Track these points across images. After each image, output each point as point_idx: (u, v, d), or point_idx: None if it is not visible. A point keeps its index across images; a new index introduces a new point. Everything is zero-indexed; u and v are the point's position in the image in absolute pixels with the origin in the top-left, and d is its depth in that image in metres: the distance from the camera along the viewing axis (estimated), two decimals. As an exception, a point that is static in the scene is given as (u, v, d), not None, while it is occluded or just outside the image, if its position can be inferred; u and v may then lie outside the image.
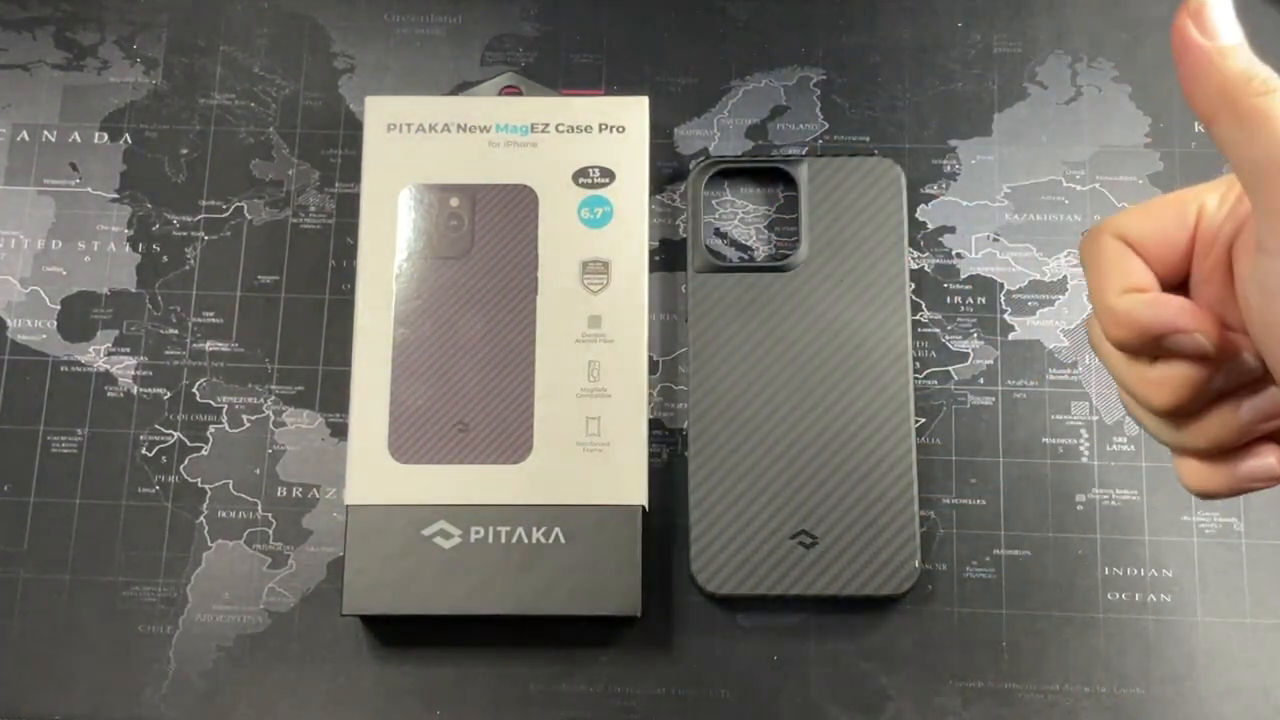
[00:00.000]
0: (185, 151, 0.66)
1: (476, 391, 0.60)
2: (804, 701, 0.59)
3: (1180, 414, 0.41)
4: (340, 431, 0.62)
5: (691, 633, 0.60)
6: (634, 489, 0.59)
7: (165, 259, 0.64)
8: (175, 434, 0.62)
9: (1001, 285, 0.63)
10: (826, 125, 0.65)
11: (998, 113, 0.65)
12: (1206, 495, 0.41)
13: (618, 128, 0.63)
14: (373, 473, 0.59)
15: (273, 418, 0.62)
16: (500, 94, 0.64)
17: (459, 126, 0.63)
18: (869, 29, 0.67)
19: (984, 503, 0.61)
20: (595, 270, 0.61)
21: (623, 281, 0.61)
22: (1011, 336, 0.63)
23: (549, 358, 0.60)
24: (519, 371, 0.60)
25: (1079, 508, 0.60)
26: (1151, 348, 0.40)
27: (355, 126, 0.66)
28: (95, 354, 0.63)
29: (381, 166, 0.62)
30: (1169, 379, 0.40)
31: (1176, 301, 0.40)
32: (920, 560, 0.59)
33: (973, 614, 0.60)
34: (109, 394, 0.63)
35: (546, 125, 0.63)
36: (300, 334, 0.63)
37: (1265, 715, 0.58)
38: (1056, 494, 0.61)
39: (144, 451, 0.62)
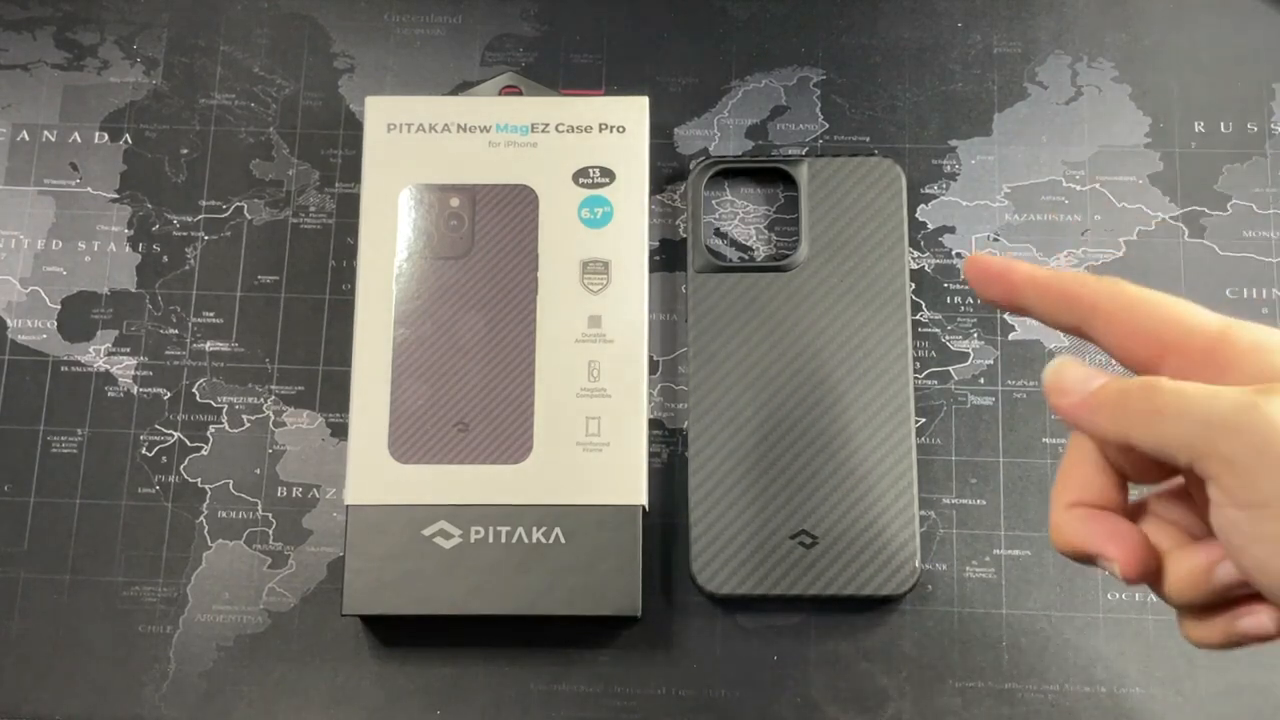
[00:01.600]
0: (185, 151, 0.66)
1: (476, 391, 0.60)
2: (804, 701, 0.59)
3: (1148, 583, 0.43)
4: (340, 431, 0.62)
5: (691, 633, 0.60)
6: (634, 489, 0.59)
7: (165, 259, 0.64)
8: (175, 434, 0.62)
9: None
10: (826, 125, 0.65)
11: (998, 113, 0.65)
12: (1204, 646, 0.43)
13: (618, 128, 0.63)
14: (373, 473, 0.59)
15: (273, 418, 0.62)
16: (500, 94, 0.64)
17: (459, 126, 0.63)
18: (869, 29, 0.67)
19: (984, 503, 0.61)
20: (595, 270, 0.61)
21: (623, 281, 0.61)
22: (1011, 336, 0.63)
23: (549, 358, 0.60)
24: (519, 371, 0.60)
25: (1079, 508, 0.60)
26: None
27: (355, 126, 0.66)
28: (95, 354, 0.63)
29: (381, 166, 0.62)
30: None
31: (1108, 525, 0.42)
32: (920, 560, 0.59)
33: (973, 614, 0.60)
34: (109, 394, 0.63)
35: (546, 125, 0.63)
36: (300, 334, 0.63)
37: (1265, 715, 0.58)
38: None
39: (144, 451, 0.62)
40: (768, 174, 0.64)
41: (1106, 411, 0.41)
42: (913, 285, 0.63)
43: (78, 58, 0.67)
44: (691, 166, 0.64)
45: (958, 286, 0.63)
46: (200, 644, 0.60)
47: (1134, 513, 0.44)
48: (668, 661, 0.59)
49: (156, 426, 0.62)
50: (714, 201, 0.64)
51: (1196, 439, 0.39)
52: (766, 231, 0.64)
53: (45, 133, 0.66)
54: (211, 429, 0.62)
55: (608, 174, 0.62)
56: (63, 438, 0.62)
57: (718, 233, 0.64)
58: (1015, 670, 0.59)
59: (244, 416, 0.62)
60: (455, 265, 0.61)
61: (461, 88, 0.66)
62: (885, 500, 0.59)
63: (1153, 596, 0.59)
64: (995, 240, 0.64)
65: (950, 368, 0.62)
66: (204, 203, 0.65)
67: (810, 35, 0.67)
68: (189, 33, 0.67)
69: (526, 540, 0.58)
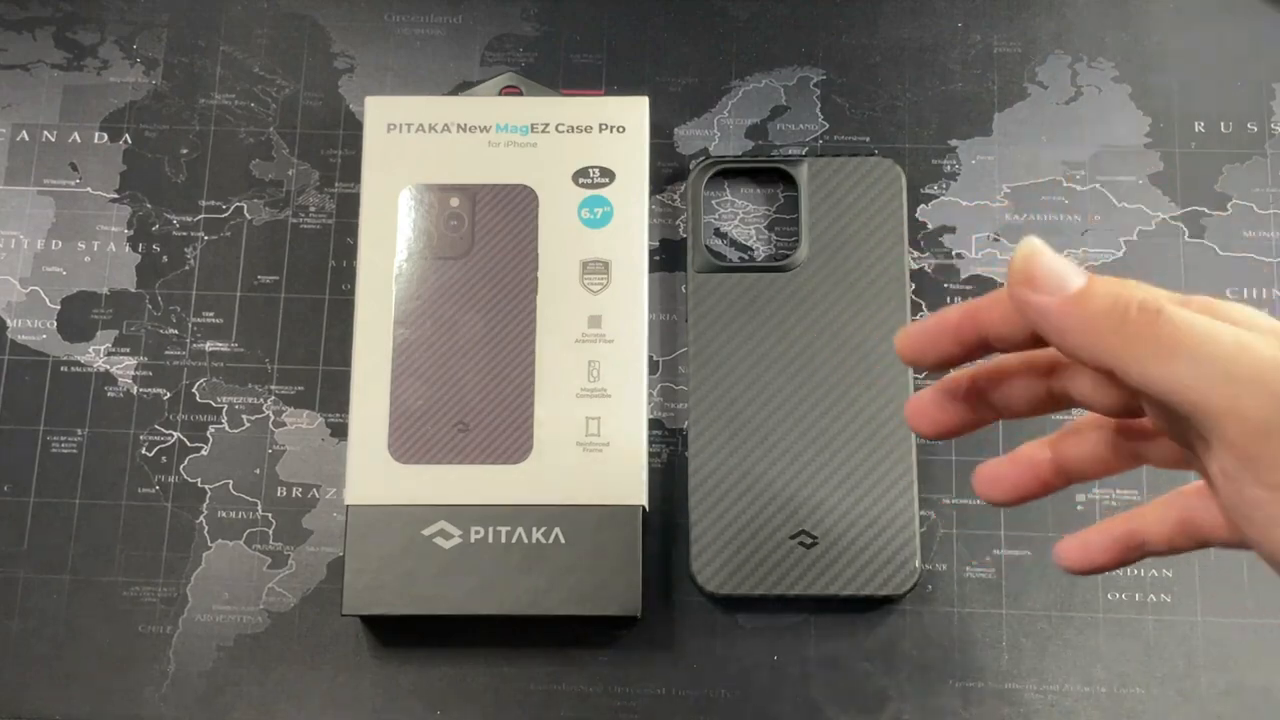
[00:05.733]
0: (185, 151, 0.66)
1: (476, 391, 0.60)
2: (804, 701, 0.59)
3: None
4: (340, 431, 0.62)
5: (691, 633, 0.60)
6: (634, 489, 0.59)
7: (165, 259, 0.64)
8: (175, 434, 0.62)
9: (1002, 285, 0.63)
10: (826, 125, 0.65)
11: (998, 113, 0.65)
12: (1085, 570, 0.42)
13: (618, 128, 0.63)
14: (373, 473, 0.59)
15: (273, 418, 0.62)
16: (500, 94, 0.64)
17: (459, 126, 0.63)
18: (869, 29, 0.67)
19: (984, 503, 0.61)
20: (595, 270, 0.61)
21: (623, 281, 0.61)
22: (1011, 336, 0.62)
23: (549, 358, 0.60)
24: (519, 371, 0.60)
25: (1079, 508, 0.60)
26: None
27: (355, 126, 0.66)
28: (95, 354, 0.63)
29: (381, 166, 0.62)
30: None
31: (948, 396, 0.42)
32: (920, 560, 0.59)
33: (973, 614, 0.60)
34: (109, 394, 0.63)
35: (546, 125, 0.63)
36: (300, 334, 0.63)
37: (1266, 715, 0.58)
38: (1057, 494, 0.60)
39: (144, 451, 0.62)
40: (768, 174, 0.64)
41: (1093, 328, 0.35)
42: (913, 285, 0.63)
43: (78, 58, 0.67)
44: (691, 166, 0.64)
45: (958, 287, 0.63)
46: (200, 644, 0.60)
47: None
48: (668, 661, 0.59)
49: (156, 426, 0.62)
50: (714, 201, 0.64)
51: (1214, 392, 0.33)
52: (766, 231, 0.64)
53: (45, 133, 0.66)
54: (211, 429, 0.62)
55: (608, 174, 0.62)
56: (63, 438, 0.62)
57: (718, 233, 0.64)
58: (1015, 670, 0.59)
59: (244, 416, 0.62)
60: (455, 265, 0.61)
61: (461, 88, 0.66)
62: (885, 500, 0.59)
63: (1152, 596, 0.59)
64: (995, 240, 0.64)
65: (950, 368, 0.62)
66: (204, 203, 0.65)
67: (810, 35, 0.67)
68: (189, 33, 0.67)
69: (526, 540, 0.58)
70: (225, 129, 0.66)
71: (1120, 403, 0.38)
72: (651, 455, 0.61)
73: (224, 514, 0.61)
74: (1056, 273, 0.36)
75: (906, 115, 0.65)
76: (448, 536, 0.58)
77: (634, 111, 0.63)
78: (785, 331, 0.61)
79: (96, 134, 0.66)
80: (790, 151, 0.65)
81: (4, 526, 0.61)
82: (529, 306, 0.61)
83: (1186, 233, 0.63)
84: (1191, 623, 0.59)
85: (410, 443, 0.59)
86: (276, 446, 0.62)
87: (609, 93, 0.66)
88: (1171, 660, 0.59)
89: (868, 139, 0.65)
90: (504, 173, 0.62)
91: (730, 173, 0.64)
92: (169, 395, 0.63)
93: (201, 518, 0.61)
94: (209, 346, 0.63)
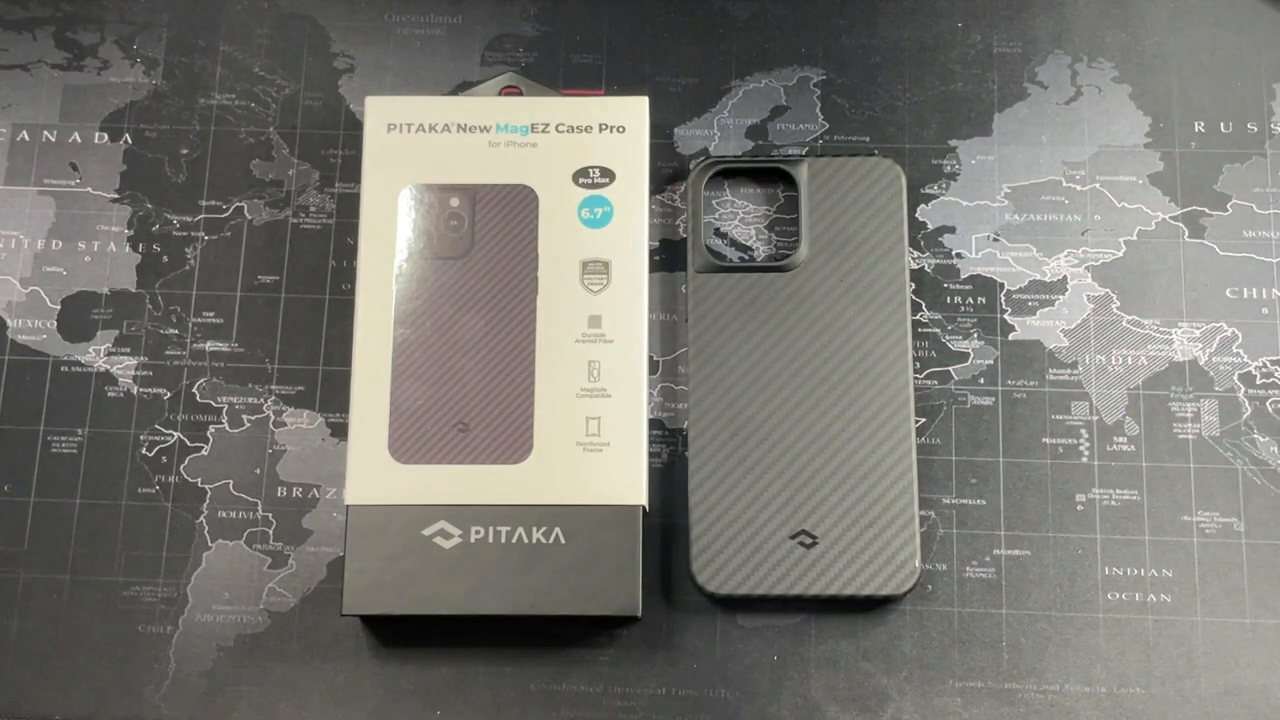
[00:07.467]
0: (185, 151, 0.66)
1: (476, 391, 0.60)
2: (804, 701, 0.59)
3: None
4: (340, 431, 0.62)
5: (691, 633, 0.60)
6: (634, 489, 0.59)
7: (165, 259, 0.64)
8: (175, 434, 0.62)
9: (1001, 285, 0.63)
10: (826, 125, 0.65)
11: (998, 113, 0.65)
12: None
13: (618, 128, 0.63)
14: (373, 473, 0.59)
15: (273, 418, 0.62)
16: (500, 94, 0.64)
17: (459, 126, 0.63)
18: (869, 29, 0.67)
19: (984, 503, 0.61)
20: (595, 270, 0.61)
21: (623, 281, 0.61)
22: (1011, 336, 0.63)
23: (549, 358, 0.60)
24: (519, 371, 0.60)
25: (1079, 508, 0.60)
26: None
27: (355, 126, 0.66)
28: (95, 354, 0.63)
29: (381, 166, 0.62)
30: None
31: None
32: (920, 560, 0.59)
33: (973, 614, 0.60)
34: (109, 394, 0.63)
35: (546, 125, 0.63)
36: (300, 334, 0.63)
37: (1265, 715, 0.58)
38: (1056, 494, 0.61)
39: (144, 451, 0.62)
40: (768, 174, 0.64)
41: None
42: (913, 285, 0.63)
43: (78, 58, 0.67)
44: (691, 166, 0.64)
45: (958, 286, 0.63)
46: (200, 644, 0.60)
47: None
48: (668, 661, 0.59)
49: (156, 426, 0.62)
50: (714, 201, 0.64)
51: None
52: (766, 231, 0.64)
53: (45, 133, 0.66)
54: (211, 429, 0.62)
55: (608, 174, 0.62)
56: (63, 438, 0.62)
57: (718, 233, 0.64)
58: (1015, 670, 0.59)
59: (244, 416, 0.62)
60: (455, 265, 0.61)
61: (461, 88, 0.66)
62: (885, 500, 0.59)
63: (1152, 596, 0.59)
64: (995, 240, 0.64)
65: (950, 368, 0.62)
66: (204, 203, 0.65)
67: (810, 35, 0.67)
68: (189, 33, 0.67)
69: (526, 540, 0.58)
70: (225, 129, 0.66)
71: None
72: (651, 455, 0.61)
73: (224, 514, 0.61)
74: None
75: (906, 115, 0.65)
76: (448, 536, 0.58)
77: (634, 111, 0.63)
78: (785, 331, 0.61)
79: (96, 134, 0.66)
80: (790, 151, 0.65)
81: (4, 526, 0.61)
82: (529, 306, 0.61)
83: (1186, 232, 0.63)
84: (1191, 623, 0.59)
85: (410, 443, 0.59)
86: (276, 446, 0.62)
87: (609, 93, 0.66)
88: (1171, 660, 0.59)
89: (868, 139, 0.65)
90: (504, 173, 0.62)
91: (730, 173, 0.64)
92: (169, 395, 0.63)
93: (201, 518, 0.61)
94: (209, 346, 0.63)
